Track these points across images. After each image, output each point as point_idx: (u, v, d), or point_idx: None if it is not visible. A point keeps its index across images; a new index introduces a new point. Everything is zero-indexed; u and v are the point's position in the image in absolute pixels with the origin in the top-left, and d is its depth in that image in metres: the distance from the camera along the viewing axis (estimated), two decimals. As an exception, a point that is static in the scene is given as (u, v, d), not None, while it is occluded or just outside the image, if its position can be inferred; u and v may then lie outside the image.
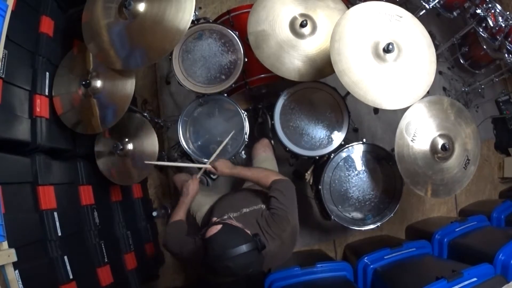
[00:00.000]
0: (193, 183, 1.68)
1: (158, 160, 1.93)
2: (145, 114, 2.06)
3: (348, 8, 1.64)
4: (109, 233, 2.04)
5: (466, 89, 2.81)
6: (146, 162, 1.80)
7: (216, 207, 1.64)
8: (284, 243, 1.37)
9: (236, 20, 2.02)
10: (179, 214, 1.61)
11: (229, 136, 1.82)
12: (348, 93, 1.90)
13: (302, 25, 1.75)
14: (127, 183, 2.15)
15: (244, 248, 1.11)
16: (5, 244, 1.27)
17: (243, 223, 1.27)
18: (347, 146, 1.91)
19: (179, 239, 1.48)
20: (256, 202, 1.50)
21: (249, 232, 1.21)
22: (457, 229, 2.19)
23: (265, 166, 1.84)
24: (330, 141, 1.92)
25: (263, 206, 1.46)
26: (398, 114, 1.69)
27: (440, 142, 1.69)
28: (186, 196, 1.66)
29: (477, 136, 1.78)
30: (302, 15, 1.78)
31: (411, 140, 1.69)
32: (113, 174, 1.94)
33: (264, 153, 1.97)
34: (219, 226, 1.17)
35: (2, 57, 1.42)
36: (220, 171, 1.63)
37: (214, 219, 1.27)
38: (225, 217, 1.31)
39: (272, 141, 2.15)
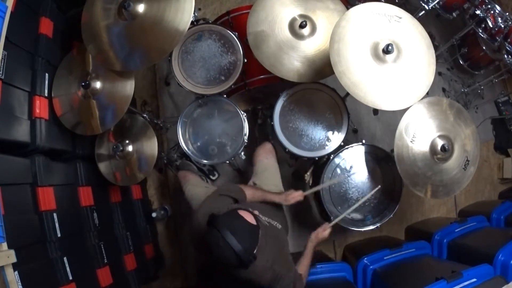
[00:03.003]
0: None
1: (157, 160, 1.93)
2: (145, 115, 2.06)
3: (348, 9, 1.64)
4: (109, 234, 2.04)
5: (466, 90, 2.81)
6: None
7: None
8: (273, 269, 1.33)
9: (236, 21, 2.02)
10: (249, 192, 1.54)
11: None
12: (347, 94, 1.90)
13: (302, 26, 1.75)
14: (128, 183, 2.14)
15: (236, 249, 1.09)
16: (4, 245, 1.27)
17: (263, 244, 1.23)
18: (346, 147, 1.91)
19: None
20: (276, 219, 1.49)
21: (256, 249, 1.17)
22: (456, 230, 2.18)
23: (267, 175, 1.81)
24: (329, 142, 1.92)
25: (280, 226, 1.48)
26: (398, 115, 1.69)
27: (440, 143, 1.69)
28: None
29: (477, 137, 1.78)
30: (301, 16, 1.78)
31: (411, 141, 1.68)
32: (114, 175, 1.94)
33: (266, 160, 1.88)
34: (253, 219, 1.16)
35: (2, 58, 1.42)
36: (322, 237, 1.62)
37: (257, 212, 1.25)
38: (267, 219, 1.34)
39: (272, 142, 2.14)
